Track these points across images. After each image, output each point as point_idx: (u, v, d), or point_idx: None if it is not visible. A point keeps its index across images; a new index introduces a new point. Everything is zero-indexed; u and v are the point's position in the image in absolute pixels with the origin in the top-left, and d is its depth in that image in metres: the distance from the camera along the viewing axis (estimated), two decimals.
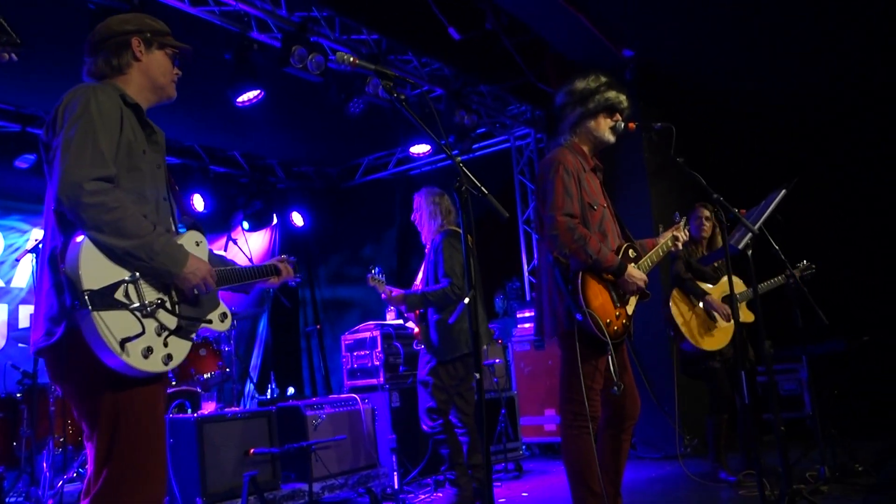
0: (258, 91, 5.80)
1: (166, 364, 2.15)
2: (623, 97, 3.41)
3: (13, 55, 1.99)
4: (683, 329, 4.87)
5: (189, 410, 5.11)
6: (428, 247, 4.84)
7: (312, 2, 5.83)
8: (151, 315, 2.13)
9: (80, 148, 2.08)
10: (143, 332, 2.08)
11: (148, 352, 2.09)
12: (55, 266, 2.10)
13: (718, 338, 4.92)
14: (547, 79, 7.31)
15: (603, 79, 3.40)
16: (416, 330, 4.80)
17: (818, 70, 7.21)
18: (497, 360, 6.46)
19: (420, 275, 4.87)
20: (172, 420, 4.26)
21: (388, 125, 7.75)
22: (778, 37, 6.64)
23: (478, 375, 2.01)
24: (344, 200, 9.93)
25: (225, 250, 8.70)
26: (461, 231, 4.89)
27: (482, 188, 2.13)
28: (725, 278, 4.57)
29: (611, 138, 3.42)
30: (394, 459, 4.75)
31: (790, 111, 8.01)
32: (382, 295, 4.72)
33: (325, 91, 6.35)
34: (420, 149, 8.45)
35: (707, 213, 5.13)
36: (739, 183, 6.07)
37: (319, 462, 4.68)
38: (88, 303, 1.98)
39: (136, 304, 2.09)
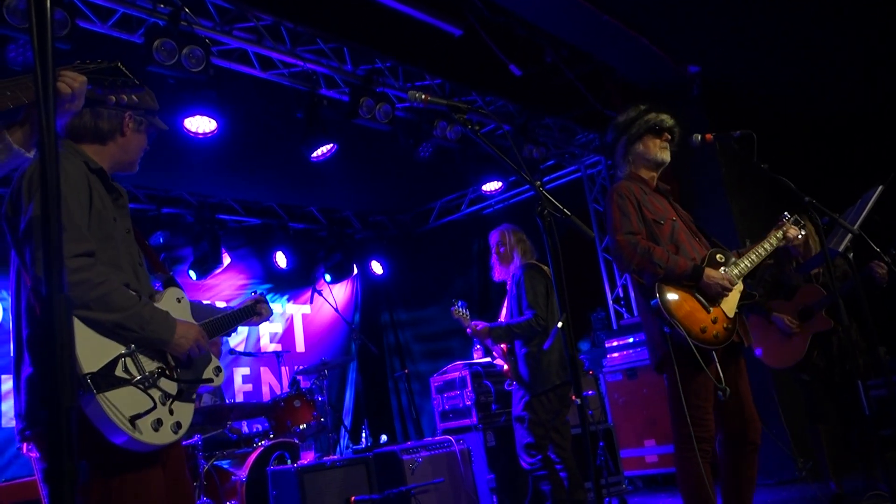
0: (331, 144, 5.96)
1: (176, 432, 2.04)
2: (665, 116, 3.44)
3: (133, 97, 2.02)
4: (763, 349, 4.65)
5: (288, 461, 5.17)
6: (509, 282, 4.83)
7: (375, 54, 6.01)
8: (154, 385, 2.03)
9: None
10: (154, 406, 1.98)
11: (158, 424, 1.98)
12: None
13: (791, 352, 4.55)
14: (613, 105, 7.25)
15: (642, 107, 3.47)
16: (506, 367, 4.75)
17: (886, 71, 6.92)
18: (590, 392, 6.30)
19: (504, 310, 4.86)
20: (273, 472, 4.33)
21: (458, 167, 7.83)
22: (849, 38, 6.42)
23: (578, 401, 1.96)
24: (420, 245, 10.03)
25: (311, 302, 8.88)
26: (539, 264, 4.92)
27: (564, 210, 2.11)
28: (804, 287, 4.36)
29: (664, 157, 3.44)
30: (494, 500, 4.66)
31: (866, 113, 7.68)
32: (467, 329, 4.71)
33: (394, 139, 6.50)
34: (492, 186, 8.48)
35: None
36: (823, 189, 5.82)
37: None
38: (92, 387, 1.86)
39: (139, 377, 1.99)
